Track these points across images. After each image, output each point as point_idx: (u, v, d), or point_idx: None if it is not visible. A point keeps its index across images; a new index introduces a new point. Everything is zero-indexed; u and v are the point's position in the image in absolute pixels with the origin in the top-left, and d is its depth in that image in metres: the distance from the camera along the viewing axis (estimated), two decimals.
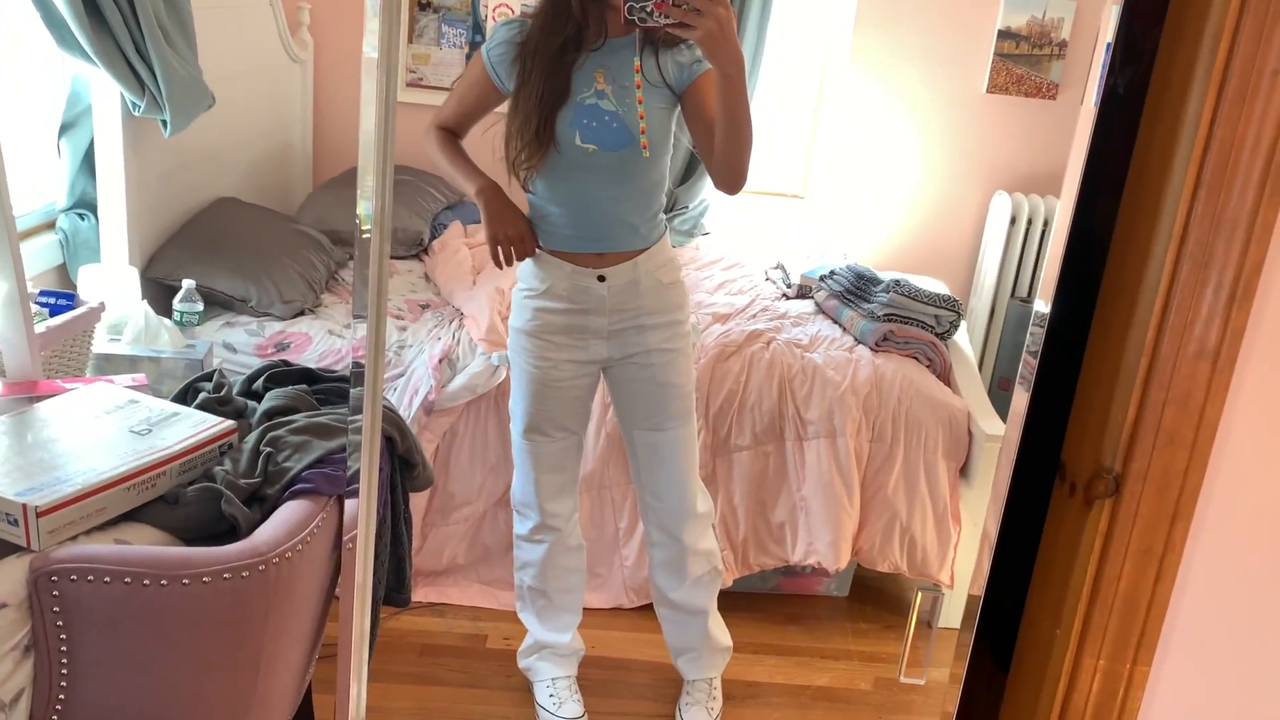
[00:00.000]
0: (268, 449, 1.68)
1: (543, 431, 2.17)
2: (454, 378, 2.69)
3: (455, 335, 2.80)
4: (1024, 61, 3.92)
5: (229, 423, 1.77)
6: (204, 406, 1.83)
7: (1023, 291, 3.99)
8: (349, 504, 1.51)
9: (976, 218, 4.11)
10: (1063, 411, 1.09)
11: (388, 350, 2.78)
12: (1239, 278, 0.88)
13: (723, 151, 1.89)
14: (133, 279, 2.55)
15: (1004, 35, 3.88)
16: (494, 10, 3.88)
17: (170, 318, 2.64)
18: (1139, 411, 0.92)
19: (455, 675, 2.57)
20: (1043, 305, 1.16)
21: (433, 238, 3.51)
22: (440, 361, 2.70)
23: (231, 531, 1.56)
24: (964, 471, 2.83)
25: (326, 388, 1.98)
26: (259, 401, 1.90)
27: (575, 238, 2.03)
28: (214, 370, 1.92)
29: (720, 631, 2.43)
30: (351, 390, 1.25)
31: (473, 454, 2.76)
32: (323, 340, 2.80)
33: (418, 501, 2.75)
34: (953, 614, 2.94)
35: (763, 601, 2.95)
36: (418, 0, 3.89)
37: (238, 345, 2.76)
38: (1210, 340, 0.90)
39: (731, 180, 1.94)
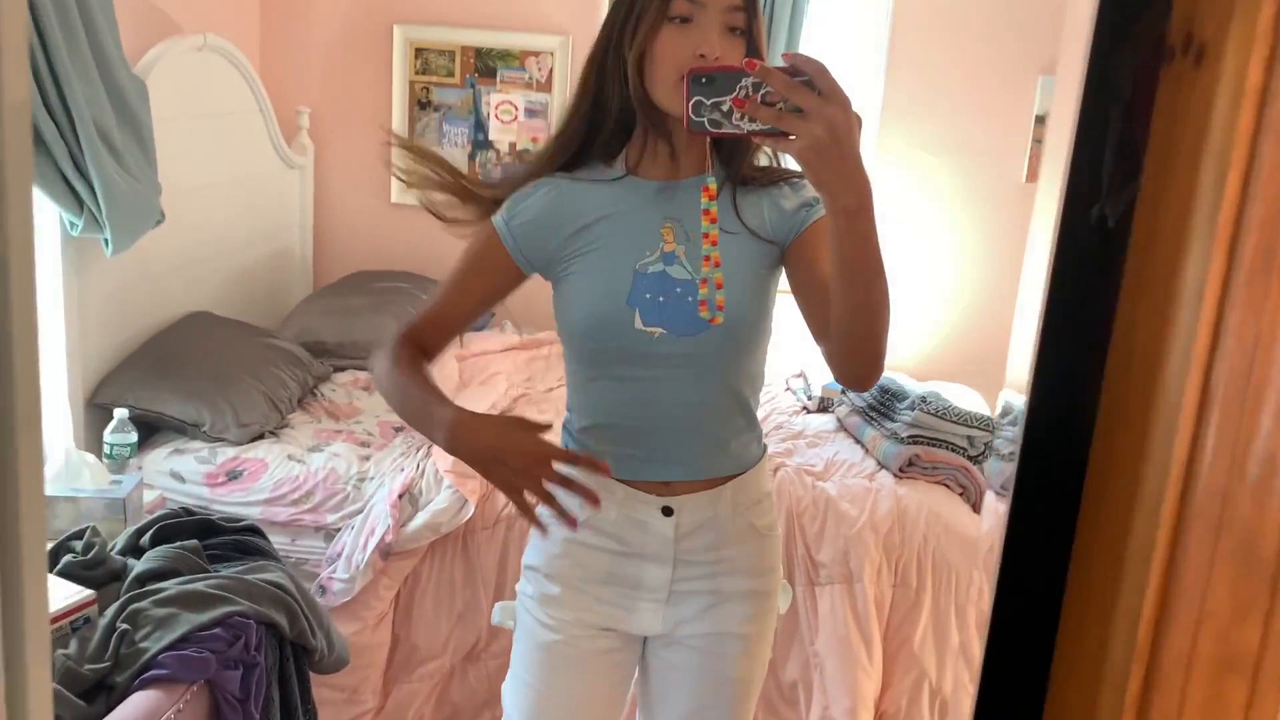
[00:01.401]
0: (124, 626, 1.40)
1: None
2: (415, 515, 2.40)
3: (420, 465, 2.52)
4: None
5: (83, 594, 1.50)
6: (68, 571, 1.57)
7: None
8: None
9: (1006, 308, 3.75)
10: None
11: (345, 484, 2.51)
12: None
13: (846, 329, 1.22)
14: (60, 409, 2.32)
15: (1042, 121, 3.56)
16: (496, 108, 3.69)
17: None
18: (1155, 644, 0.59)
19: None
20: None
21: None
22: (400, 497, 2.41)
23: None
24: None
25: (225, 542, 1.70)
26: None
27: (632, 457, 1.38)
28: (86, 527, 1.66)
29: None
30: None
31: (437, 601, 2.45)
32: (280, 467, 2.54)
33: (376, 655, 2.44)
34: None
35: None
36: (417, 99, 3.72)
37: (186, 474, 2.52)
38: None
39: (861, 372, 1.27)
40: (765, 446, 1.47)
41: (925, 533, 2.43)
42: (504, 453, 1.20)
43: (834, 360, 1.30)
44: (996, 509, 0.89)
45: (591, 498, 1.21)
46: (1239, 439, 0.61)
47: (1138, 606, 0.65)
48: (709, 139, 1.24)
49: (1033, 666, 0.82)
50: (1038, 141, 3.56)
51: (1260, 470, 0.59)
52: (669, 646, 1.44)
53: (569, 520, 1.24)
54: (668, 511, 1.37)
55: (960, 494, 2.59)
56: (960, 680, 2.40)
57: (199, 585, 1.48)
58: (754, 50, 1.28)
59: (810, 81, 1.01)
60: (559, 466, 1.20)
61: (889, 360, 1.30)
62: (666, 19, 1.25)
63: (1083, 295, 0.73)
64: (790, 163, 1.37)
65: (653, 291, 1.33)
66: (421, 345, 1.40)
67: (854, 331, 1.23)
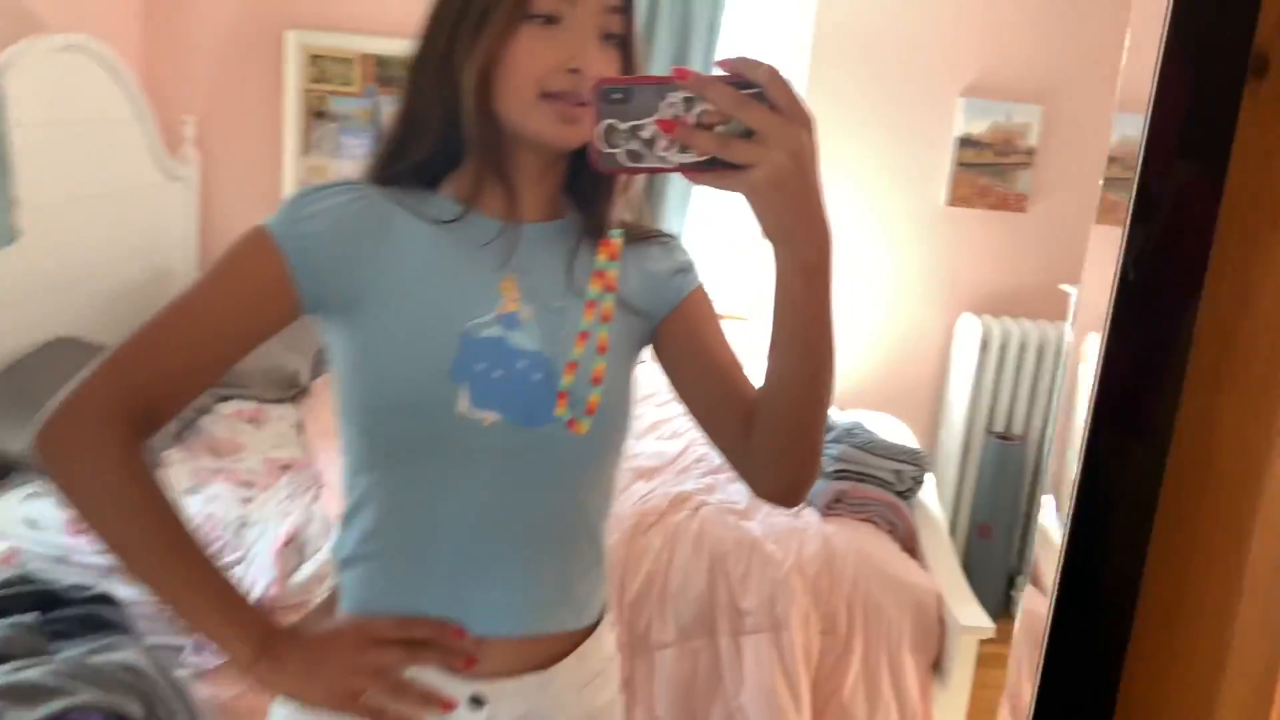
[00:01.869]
0: None
1: None
2: (300, 565, 2.17)
3: (309, 510, 2.29)
4: (988, 171, 3.54)
5: None
6: None
7: (999, 425, 3.53)
8: None
9: (941, 343, 3.68)
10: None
11: (224, 530, 2.26)
12: None
13: (781, 425, 0.95)
14: None
15: (965, 143, 3.50)
16: None
17: None
18: None
19: None
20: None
21: (314, 376, 3.02)
22: (285, 545, 2.18)
23: None
24: (936, 667, 2.31)
25: (70, 616, 1.47)
26: None
27: (429, 599, 1.01)
28: None
29: None
30: None
31: None
32: None
33: None
34: None
35: None
36: (314, 109, 3.48)
37: (43, 521, 2.24)
38: None
39: (796, 478, 0.99)
40: (606, 597, 1.11)
41: (854, 576, 2.30)
42: (347, 669, 0.93)
43: (759, 469, 0.99)
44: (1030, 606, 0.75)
45: (463, 651, 0.96)
46: None
47: None
48: (623, 175, 0.97)
49: None
50: (961, 165, 3.50)
51: None
52: None
53: (466, 660, 0.97)
54: (477, 703, 0.99)
55: (889, 532, 2.47)
56: None
57: (33, 674, 1.25)
58: (631, 67, 0.97)
59: (762, 94, 0.76)
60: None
61: None
62: (526, 17, 0.93)
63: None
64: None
65: (487, 362, 0.97)
66: (149, 416, 0.95)
67: (792, 427, 0.94)
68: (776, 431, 0.96)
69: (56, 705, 1.21)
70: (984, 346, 3.47)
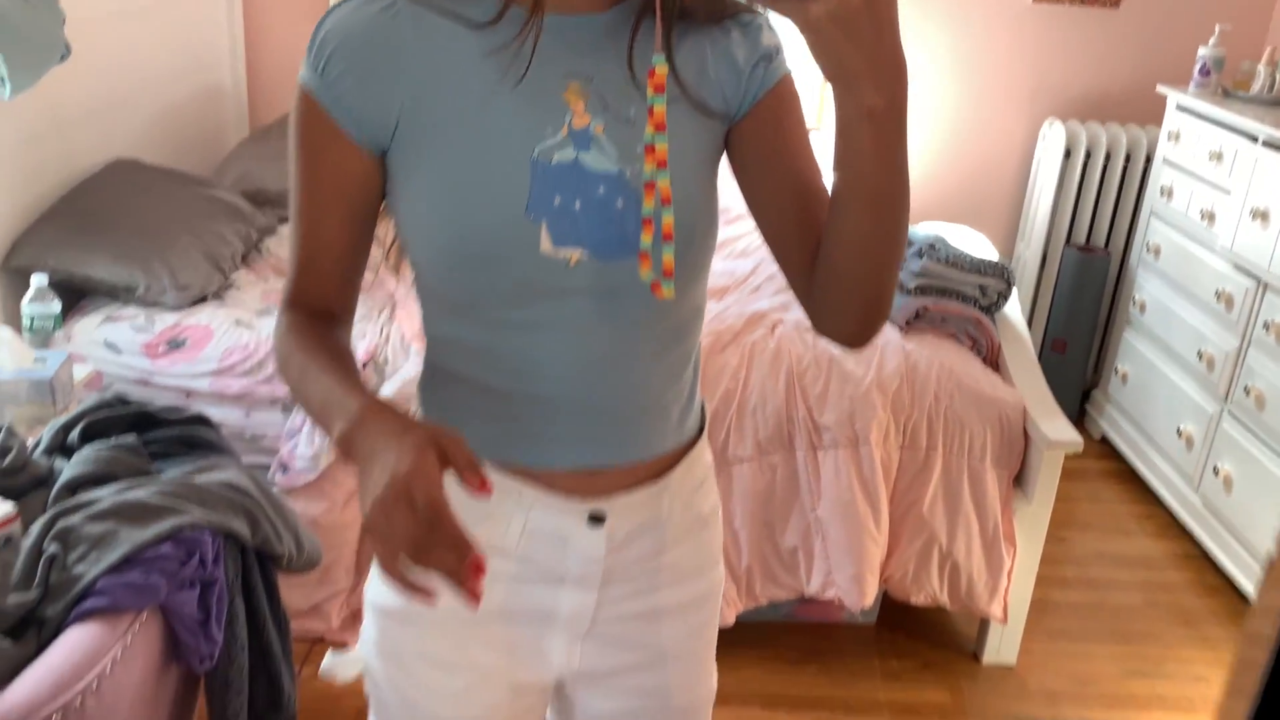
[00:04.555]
0: (54, 547, 1.19)
1: None
2: (381, 385, 2.17)
3: (384, 330, 2.27)
4: None
5: (2, 508, 1.27)
6: None
7: (1080, 237, 3.40)
8: None
9: (1024, 151, 3.51)
10: None
11: None
12: None
13: (847, 271, 0.86)
14: None
15: None
16: None
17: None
18: None
19: None
20: None
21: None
22: (364, 365, 2.18)
23: None
24: (1019, 481, 2.30)
25: (168, 436, 1.47)
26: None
27: (536, 439, 0.96)
28: (1, 426, 1.42)
29: None
30: None
31: None
32: (227, 334, 2.29)
33: (347, 535, 2.26)
34: (1005, 646, 2.46)
35: (775, 634, 2.46)
36: None
37: (121, 345, 2.26)
38: None
39: (860, 326, 0.90)
40: (704, 401, 1.08)
41: (936, 391, 2.26)
42: (395, 499, 0.71)
43: (823, 309, 0.91)
44: None
45: (472, 592, 0.72)
46: None
47: None
48: None
49: None
50: None
51: None
52: (593, 689, 1.07)
53: (471, 597, 0.73)
54: (597, 519, 0.98)
55: (971, 347, 2.41)
56: (972, 544, 2.27)
57: (140, 494, 1.25)
58: None
59: None
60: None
61: None
62: None
63: None
64: None
65: (564, 193, 0.87)
66: (319, 309, 0.93)
67: (857, 275, 0.85)
68: (838, 285, 0.87)
69: (167, 524, 1.22)
70: (1069, 154, 3.30)
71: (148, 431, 1.43)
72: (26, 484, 1.31)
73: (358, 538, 2.29)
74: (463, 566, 0.72)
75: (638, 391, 0.96)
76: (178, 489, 1.27)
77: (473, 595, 0.72)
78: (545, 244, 0.87)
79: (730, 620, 2.27)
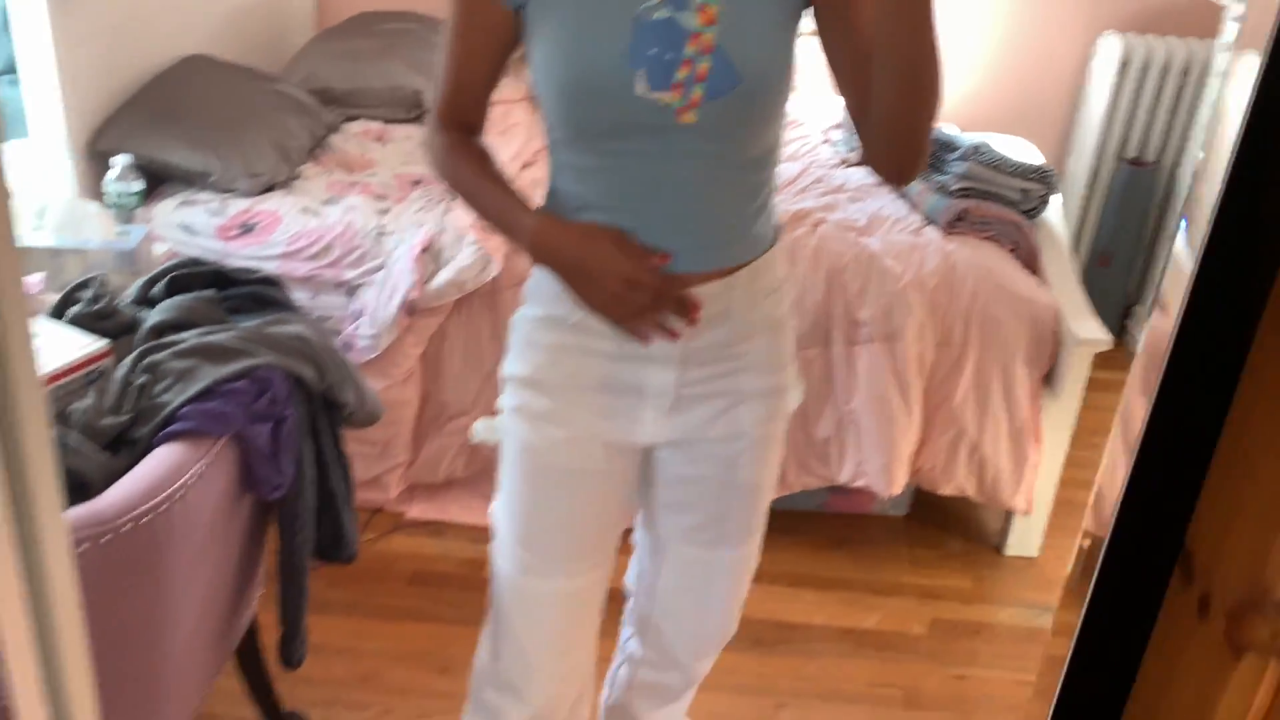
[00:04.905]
0: (143, 378, 1.33)
1: (549, 565, 1.33)
2: (438, 272, 2.29)
3: (441, 222, 2.38)
4: None
5: (97, 344, 1.42)
6: (79, 322, 1.48)
7: (1131, 151, 3.39)
8: None
9: (1078, 63, 3.48)
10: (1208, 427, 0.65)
11: (364, 238, 2.39)
12: None
13: (886, 114, 1.10)
14: (60, 155, 2.18)
15: None
16: None
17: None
18: None
19: (447, 610, 2.27)
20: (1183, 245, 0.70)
21: None
22: (423, 252, 2.30)
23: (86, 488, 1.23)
24: (1048, 380, 2.37)
25: (240, 294, 1.61)
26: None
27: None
28: (93, 277, 1.56)
29: None
30: None
31: (465, 359, 2.38)
32: (295, 219, 2.42)
33: (405, 411, 2.40)
34: (1027, 540, 2.55)
35: (807, 522, 2.58)
36: None
37: (197, 227, 2.40)
38: None
39: (898, 166, 1.16)
40: (780, 227, 1.30)
41: (973, 290, 2.32)
42: (591, 272, 1.14)
43: (869, 145, 1.17)
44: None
45: (691, 312, 1.15)
46: None
47: None
48: None
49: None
50: None
51: None
52: (676, 455, 1.32)
53: (672, 334, 1.17)
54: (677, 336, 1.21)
55: (1011, 251, 2.46)
56: (999, 439, 2.35)
57: (219, 337, 1.39)
58: None
59: None
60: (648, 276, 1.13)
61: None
62: None
63: None
64: None
65: (659, 46, 1.09)
66: (463, 123, 1.25)
67: (895, 118, 1.09)
68: (882, 119, 1.10)
69: (243, 364, 1.35)
70: (1124, 67, 3.28)
71: (224, 289, 1.56)
72: (116, 328, 1.45)
73: (415, 415, 2.44)
74: (686, 309, 1.15)
75: (715, 212, 1.19)
76: (252, 335, 1.40)
77: (692, 323, 1.16)
78: (641, 87, 1.10)
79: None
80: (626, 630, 1.61)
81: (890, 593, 2.39)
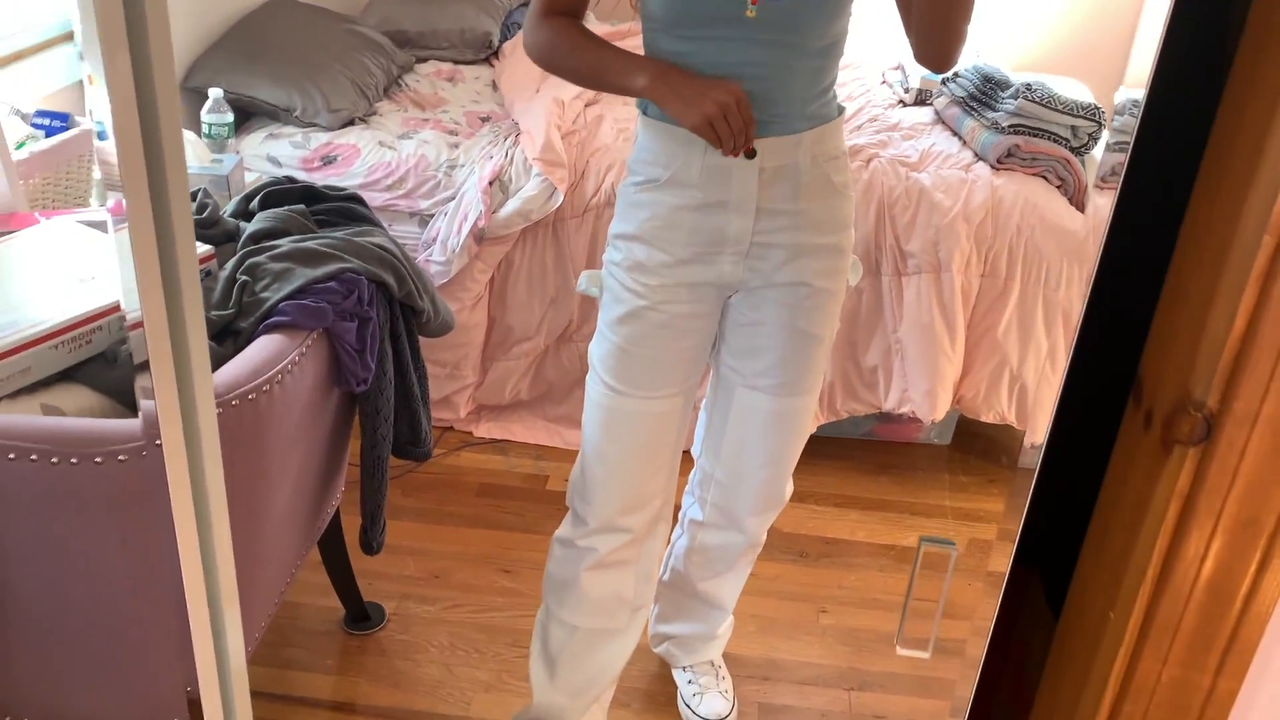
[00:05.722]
0: (245, 278, 1.49)
1: (635, 390, 1.52)
2: (506, 202, 2.43)
3: (509, 153, 2.52)
4: None
5: (204, 248, 1.58)
6: None
7: None
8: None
9: (1132, 5, 3.48)
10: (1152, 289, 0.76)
11: (436, 171, 2.53)
12: None
13: (920, 27, 1.36)
14: None
15: None
16: None
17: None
18: (1252, 324, 0.59)
19: (511, 519, 2.44)
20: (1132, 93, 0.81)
21: (505, 38, 3.18)
22: (491, 184, 2.44)
23: None
24: None
25: (328, 208, 1.76)
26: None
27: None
28: (197, 189, 1.72)
29: (730, 616, 1.96)
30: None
31: (530, 286, 2.53)
32: (372, 152, 2.57)
33: (474, 335, 2.56)
34: None
35: (853, 448, 2.69)
36: None
37: (282, 158, 2.57)
38: None
39: (937, 52, 1.38)
40: (842, 108, 1.48)
41: (1020, 223, 2.39)
42: (703, 93, 1.31)
43: (911, 34, 1.38)
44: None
45: (749, 151, 1.37)
46: None
47: (1237, 293, 0.64)
48: None
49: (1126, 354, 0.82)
50: None
51: None
52: (749, 300, 1.51)
53: (749, 149, 1.36)
54: (751, 154, 1.38)
55: (1059, 187, 2.52)
56: (1040, 366, 2.44)
57: (311, 244, 1.54)
58: None
59: None
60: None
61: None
62: None
63: None
64: None
65: None
66: (565, 10, 1.46)
67: (934, 11, 1.32)
68: (922, 22, 1.34)
69: (332, 267, 1.50)
70: None
71: (313, 205, 1.71)
72: (218, 236, 1.62)
73: (482, 339, 2.59)
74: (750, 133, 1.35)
75: (783, 92, 1.38)
76: (340, 243, 1.55)
77: (750, 153, 1.36)
78: None
79: (813, 429, 2.50)
80: (688, 500, 1.80)
81: (931, 514, 2.50)
